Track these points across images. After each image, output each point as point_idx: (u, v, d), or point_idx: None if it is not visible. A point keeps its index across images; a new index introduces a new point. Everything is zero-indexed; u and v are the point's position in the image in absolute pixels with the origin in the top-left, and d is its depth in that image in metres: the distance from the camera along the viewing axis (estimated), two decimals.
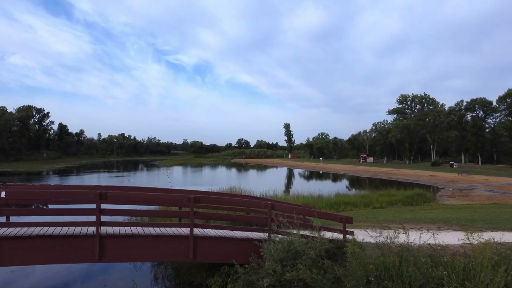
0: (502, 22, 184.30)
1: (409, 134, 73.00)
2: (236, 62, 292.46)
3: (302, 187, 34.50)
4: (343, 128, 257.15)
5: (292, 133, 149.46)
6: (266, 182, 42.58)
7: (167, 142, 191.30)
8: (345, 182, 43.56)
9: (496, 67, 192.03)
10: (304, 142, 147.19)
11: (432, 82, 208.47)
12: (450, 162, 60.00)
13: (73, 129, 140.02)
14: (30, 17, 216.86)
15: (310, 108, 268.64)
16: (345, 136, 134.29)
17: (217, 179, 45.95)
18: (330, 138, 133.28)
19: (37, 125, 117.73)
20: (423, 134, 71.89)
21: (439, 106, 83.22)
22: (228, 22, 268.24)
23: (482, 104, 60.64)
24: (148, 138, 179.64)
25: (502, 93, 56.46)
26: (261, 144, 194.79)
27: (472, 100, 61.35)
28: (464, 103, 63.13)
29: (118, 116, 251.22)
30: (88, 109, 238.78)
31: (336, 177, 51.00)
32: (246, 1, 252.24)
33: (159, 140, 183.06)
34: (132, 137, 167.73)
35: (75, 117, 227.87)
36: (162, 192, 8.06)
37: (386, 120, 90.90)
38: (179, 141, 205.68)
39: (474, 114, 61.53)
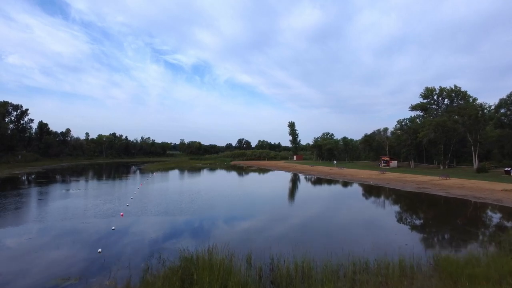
0: (501, 22, 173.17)
1: (444, 133, 60.18)
2: (234, 62, 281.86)
3: (337, 219, 21.72)
4: (343, 128, 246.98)
5: (297, 132, 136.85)
6: (274, 202, 29.81)
7: (162, 142, 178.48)
8: (391, 203, 30.85)
9: (495, 67, 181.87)
10: (310, 143, 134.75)
11: (431, 82, 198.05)
12: (506, 169, 47.18)
13: (72, 130, 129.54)
14: (27, 17, 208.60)
15: (310, 109, 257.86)
16: (347, 136, 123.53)
17: (204, 198, 33.19)
18: (336, 138, 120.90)
19: (13, 123, 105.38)
20: (462, 133, 59.12)
21: (471, 100, 70.82)
22: (225, 22, 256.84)
23: None
24: (142, 138, 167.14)
25: (502, 93, 44.00)
26: (262, 145, 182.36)
27: None
28: None
29: (117, 116, 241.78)
30: (88, 109, 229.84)
31: (368, 191, 38.23)
32: (243, 1, 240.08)
33: (154, 140, 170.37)
34: (124, 137, 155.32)
35: (75, 118, 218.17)
36: None
37: (411, 116, 78.22)
38: (177, 141, 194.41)
39: None
